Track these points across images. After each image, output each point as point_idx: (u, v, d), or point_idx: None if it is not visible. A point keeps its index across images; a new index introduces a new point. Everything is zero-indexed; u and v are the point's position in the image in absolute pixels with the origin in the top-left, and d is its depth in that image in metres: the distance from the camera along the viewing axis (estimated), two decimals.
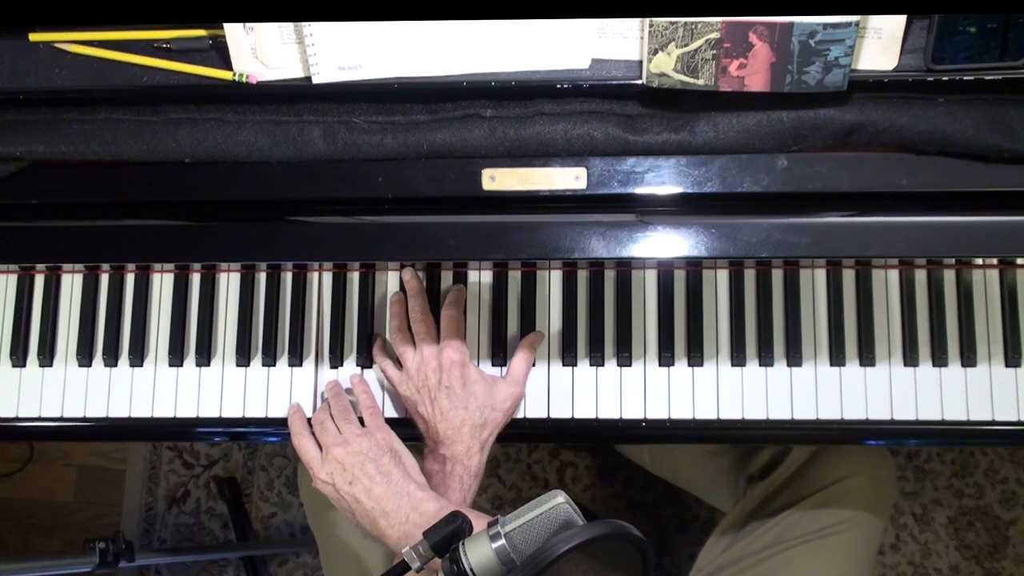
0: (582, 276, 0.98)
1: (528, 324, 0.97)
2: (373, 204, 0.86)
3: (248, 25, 0.78)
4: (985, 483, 1.71)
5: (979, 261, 0.96)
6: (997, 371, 0.95)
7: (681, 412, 0.96)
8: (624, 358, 0.96)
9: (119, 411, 0.99)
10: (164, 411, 0.99)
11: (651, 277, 0.98)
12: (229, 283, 1.01)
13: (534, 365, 0.97)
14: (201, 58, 0.82)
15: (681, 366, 0.96)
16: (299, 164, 0.84)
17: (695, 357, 0.96)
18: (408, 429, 0.94)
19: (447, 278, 0.99)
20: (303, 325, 0.99)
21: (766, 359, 0.95)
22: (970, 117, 0.79)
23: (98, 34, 0.82)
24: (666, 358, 0.96)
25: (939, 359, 0.95)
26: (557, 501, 0.63)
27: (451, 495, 0.87)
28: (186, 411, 0.99)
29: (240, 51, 0.79)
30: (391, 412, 0.98)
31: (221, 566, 1.80)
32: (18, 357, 1.00)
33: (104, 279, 1.01)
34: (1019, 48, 0.75)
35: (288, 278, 1.00)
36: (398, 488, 0.84)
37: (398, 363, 0.95)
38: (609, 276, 0.98)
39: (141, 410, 0.99)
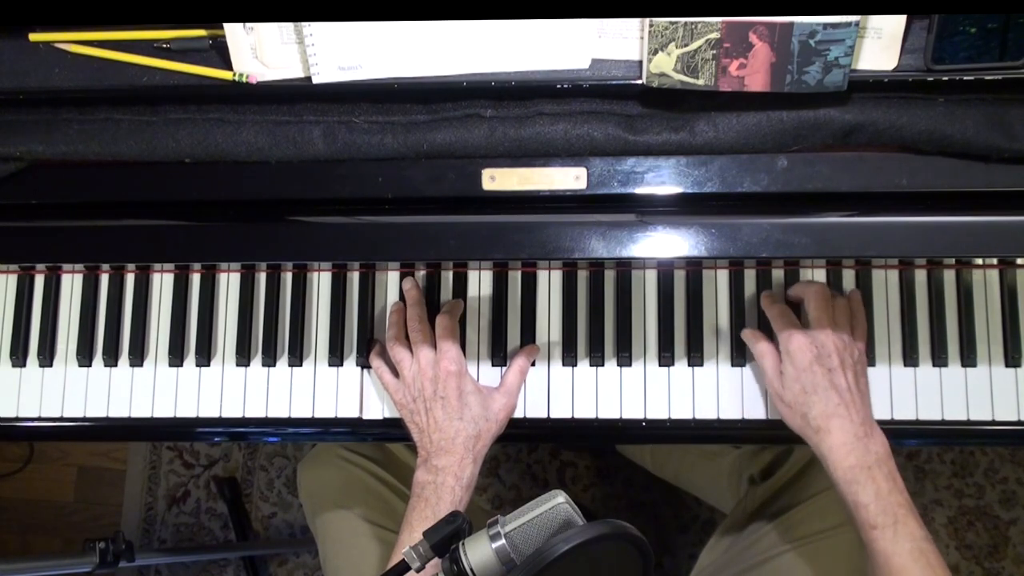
0: (582, 276, 0.98)
1: (528, 324, 0.97)
2: (373, 204, 0.86)
3: (248, 25, 0.78)
4: (985, 483, 1.71)
5: (979, 261, 0.96)
6: (997, 371, 0.95)
7: (681, 412, 0.96)
8: (624, 358, 0.96)
9: (119, 411, 0.99)
10: (164, 411, 0.99)
11: (651, 277, 0.98)
12: (229, 283, 1.01)
13: (533, 365, 0.97)
14: (201, 58, 0.81)
15: (681, 366, 0.96)
16: (299, 164, 0.84)
17: (695, 357, 0.96)
18: (400, 430, 0.94)
19: (447, 278, 0.99)
20: (303, 325, 0.99)
21: None
22: (970, 117, 0.79)
23: (98, 34, 0.82)
24: (666, 358, 0.96)
25: (939, 359, 0.95)
26: (557, 501, 0.63)
27: (442, 507, 0.87)
28: (186, 411, 0.99)
29: (240, 51, 0.79)
30: (390, 415, 0.98)
31: (221, 566, 1.80)
32: (18, 357, 1.00)
33: (104, 279, 1.01)
34: (1019, 48, 0.75)
35: (288, 278, 1.00)
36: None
37: (395, 370, 0.95)
38: (609, 276, 0.98)
39: (141, 410, 0.99)
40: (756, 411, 0.95)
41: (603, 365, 0.97)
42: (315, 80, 0.79)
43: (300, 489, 1.17)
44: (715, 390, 0.96)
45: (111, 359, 1.00)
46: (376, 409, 0.98)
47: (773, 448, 1.14)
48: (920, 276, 0.96)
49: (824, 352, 0.86)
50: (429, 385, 0.91)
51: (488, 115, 0.81)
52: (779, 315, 0.91)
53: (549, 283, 0.98)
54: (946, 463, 1.71)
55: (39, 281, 1.02)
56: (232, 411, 0.99)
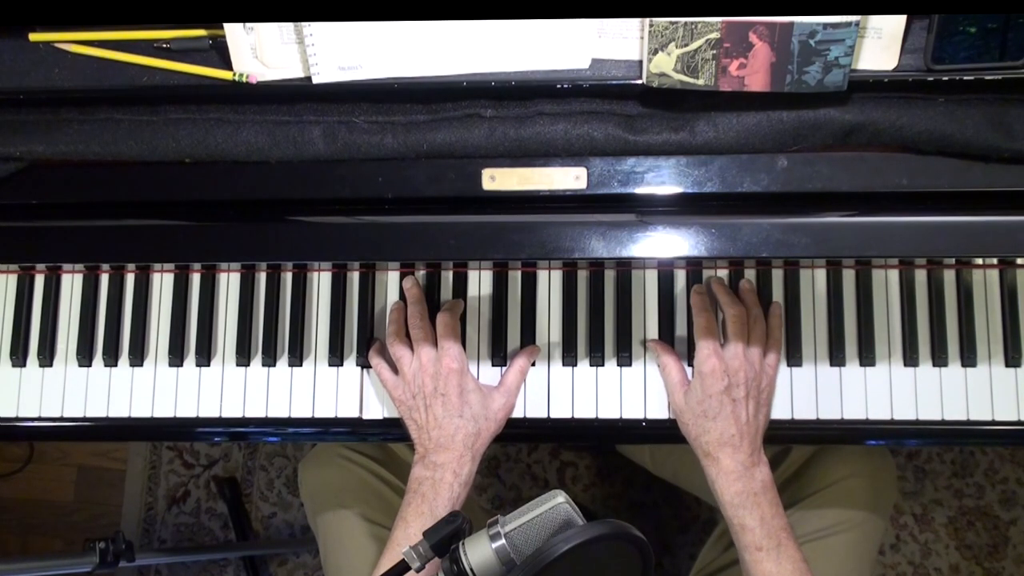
0: (582, 276, 0.98)
1: (528, 324, 0.97)
2: (373, 204, 0.86)
3: (248, 25, 0.78)
4: (985, 483, 1.71)
5: (979, 261, 0.96)
6: (997, 371, 0.95)
7: None
8: (624, 358, 0.96)
9: (119, 411, 0.99)
10: (164, 411, 0.99)
11: (651, 277, 0.98)
12: (229, 283, 1.01)
13: (533, 365, 0.97)
14: (201, 58, 0.82)
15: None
16: (299, 164, 0.84)
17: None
18: (400, 429, 0.94)
19: (447, 278, 0.99)
20: (303, 325, 0.99)
21: None
22: (970, 117, 0.79)
23: (98, 34, 0.82)
24: None
25: (939, 359, 0.95)
26: (557, 501, 0.63)
27: (439, 503, 0.87)
28: (186, 411, 0.99)
29: (240, 51, 0.79)
30: (389, 415, 0.98)
31: (221, 566, 1.80)
32: (18, 357, 1.00)
33: (104, 279, 1.01)
34: (1019, 48, 0.75)
35: (288, 278, 1.00)
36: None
37: (394, 368, 0.95)
38: (609, 276, 0.98)
39: (141, 410, 0.99)
40: None
41: (603, 365, 0.97)
42: (315, 80, 0.79)
43: (301, 488, 1.17)
44: None
45: (111, 359, 1.00)
46: (376, 409, 0.98)
47: (772, 447, 1.14)
48: (920, 276, 0.96)
49: (734, 382, 0.88)
50: (430, 382, 0.91)
51: (488, 115, 0.81)
52: (704, 327, 0.91)
53: (549, 283, 0.98)
54: (946, 463, 1.71)
55: (39, 281, 1.02)
56: (232, 411, 0.99)
